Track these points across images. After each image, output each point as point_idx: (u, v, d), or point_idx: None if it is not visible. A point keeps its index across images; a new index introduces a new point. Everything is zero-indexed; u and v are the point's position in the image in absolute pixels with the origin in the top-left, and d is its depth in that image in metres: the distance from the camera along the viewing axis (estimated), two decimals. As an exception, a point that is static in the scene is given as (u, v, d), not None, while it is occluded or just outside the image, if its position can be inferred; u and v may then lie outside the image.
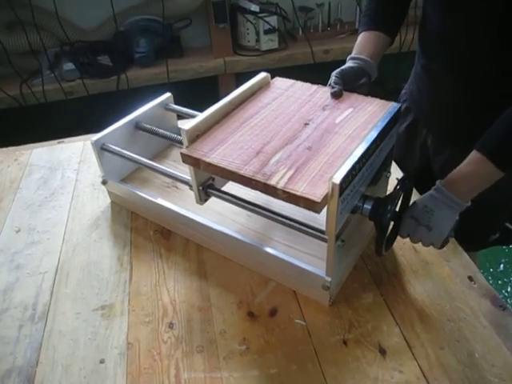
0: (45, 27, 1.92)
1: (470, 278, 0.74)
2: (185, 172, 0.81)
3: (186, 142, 0.67)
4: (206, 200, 0.77)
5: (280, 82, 0.82)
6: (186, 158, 0.66)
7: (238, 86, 0.79)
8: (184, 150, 0.66)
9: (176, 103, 1.01)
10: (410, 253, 0.79)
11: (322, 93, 0.77)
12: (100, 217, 0.92)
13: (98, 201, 0.97)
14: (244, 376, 0.62)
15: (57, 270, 0.81)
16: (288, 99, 0.76)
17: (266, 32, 2.12)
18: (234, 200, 0.74)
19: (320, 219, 0.64)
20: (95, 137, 0.86)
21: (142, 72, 2.07)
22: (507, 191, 0.87)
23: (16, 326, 0.71)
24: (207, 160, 0.64)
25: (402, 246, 0.80)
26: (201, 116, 0.70)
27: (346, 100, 0.74)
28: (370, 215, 0.65)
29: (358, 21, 2.38)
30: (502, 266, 1.80)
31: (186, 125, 0.68)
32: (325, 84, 0.79)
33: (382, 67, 0.91)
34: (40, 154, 1.15)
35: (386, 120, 0.64)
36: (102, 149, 0.87)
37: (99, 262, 0.82)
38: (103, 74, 2.00)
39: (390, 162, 0.76)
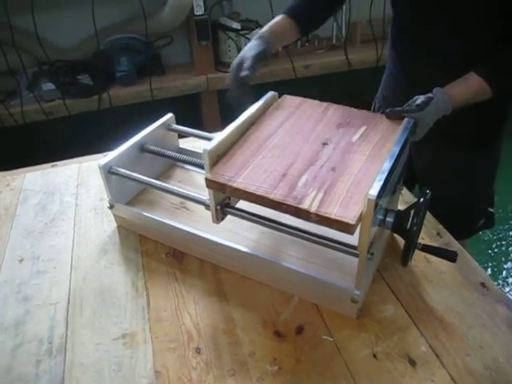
0: (23, 47, 1.88)
1: (483, 285, 0.77)
2: (197, 192, 0.81)
3: (208, 165, 0.67)
4: (222, 219, 0.76)
5: (289, 100, 0.84)
6: (211, 184, 0.66)
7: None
8: (208, 176, 0.66)
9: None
10: (423, 263, 0.81)
11: (333, 110, 0.79)
12: (107, 242, 0.90)
13: (103, 225, 0.94)
14: (279, 397, 0.62)
15: (69, 299, 0.78)
16: (301, 118, 0.78)
17: (248, 49, 2.15)
18: (252, 217, 0.74)
19: (333, 232, 0.65)
20: (102, 161, 0.85)
21: (124, 91, 2.05)
22: (486, 180, 1.02)
23: (33, 362, 0.68)
24: (234, 185, 0.64)
25: (415, 257, 0.82)
26: (220, 136, 0.70)
27: (358, 117, 0.76)
28: (392, 228, 0.67)
29: (335, 36, 2.45)
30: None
31: (206, 145, 0.68)
32: (311, 97, 0.83)
33: (358, 80, 0.95)
34: (34, 179, 1.11)
35: (405, 135, 0.67)
36: (109, 172, 0.86)
37: (113, 288, 0.80)
38: (84, 94, 1.97)
39: (403, 176, 0.78)
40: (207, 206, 0.75)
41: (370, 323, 0.71)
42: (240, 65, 0.82)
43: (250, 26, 2.22)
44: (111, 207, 0.90)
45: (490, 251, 1.85)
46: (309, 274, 0.71)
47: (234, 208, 0.76)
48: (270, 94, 0.84)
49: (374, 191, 0.55)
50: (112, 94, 2.00)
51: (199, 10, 1.95)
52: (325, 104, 0.81)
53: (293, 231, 0.69)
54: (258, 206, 0.66)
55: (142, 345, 0.70)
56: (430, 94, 0.75)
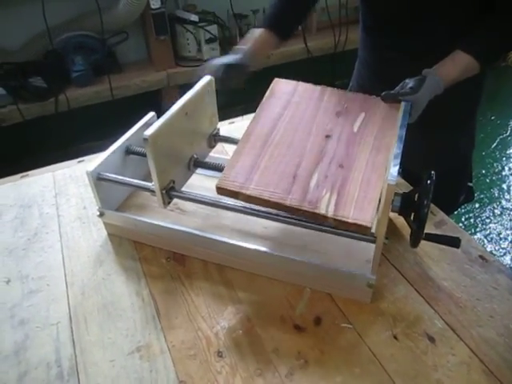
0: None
1: (482, 257, 0.80)
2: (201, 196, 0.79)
3: (150, 152, 0.67)
4: (169, 203, 0.78)
5: (282, 86, 0.82)
6: (223, 191, 0.64)
7: None
8: (219, 184, 0.64)
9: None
10: (423, 242, 0.83)
11: (329, 95, 0.78)
12: (101, 252, 0.85)
13: (92, 235, 0.89)
14: (312, 390, 0.61)
15: (70, 317, 0.73)
16: (298, 107, 0.77)
17: (208, 41, 2.11)
18: (196, 199, 0.77)
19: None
20: (90, 167, 0.80)
21: (82, 91, 1.95)
22: (465, 156, 1.08)
23: (43, 389, 0.63)
24: (248, 193, 0.62)
25: (414, 236, 0.84)
26: (159, 122, 0.72)
27: (354, 102, 0.76)
28: (400, 211, 0.68)
29: (292, 25, 2.46)
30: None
31: (147, 131, 0.69)
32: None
33: (318, 67, 0.97)
34: (5, 192, 1.03)
35: (406, 118, 0.68)
36: (98, 179, 0.81)
37: (116, 300, 0.75)
38: (38, 97, 1.85)
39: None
40: (152, 192, 0.76)
41: (384, 306, 0.72)
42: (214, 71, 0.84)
43: (208, 17, 2.17)
44: (101, 215, 0.85)
45: (460, 225, 1.95)
46: (322, 264, 0.71)
47: (178, 191, 0.78)
48: (207, 78, 0.84)
49: (393, 176, 0.56)
50: (69, 96, 1.90)
51: (156, 4, 1.88)
52: (318, 88, 0.80)
53: (297, 222, 0.68)
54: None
55: (159, 356, 0.67)
56: (420, 76, 0.77)
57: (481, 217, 1.93)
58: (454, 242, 0.71)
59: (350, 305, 0.73)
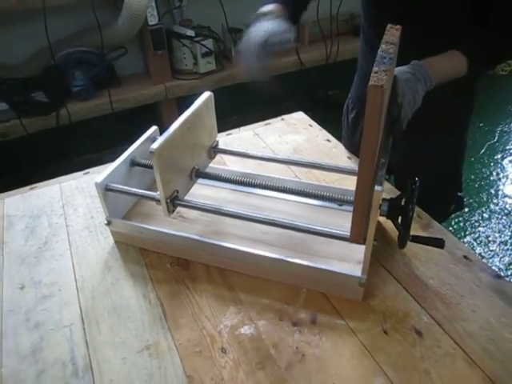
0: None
1: (466, 257, 0.86)
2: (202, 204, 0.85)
3: (156, 164, 0.75)
4: (173, 211, 0.83)
5: None
6: None
7: (180, 110, 0.85)
8: None
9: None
10: (411, 244, 0.89)
11: None
12: (108, 259, 0.90)
13: (100, 243, 0.94)
14: (310, 383, 0.66)
15: (82, 319, 0.78)
16: None
17: (204, 55, 2.18)
18: (201, 207, 0.83)
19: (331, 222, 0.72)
20: (99, 178, 0.85)
21: (82, 105, 2.01)
22: (454, 167, 1.13)
23: (60, 385, 0.68)
24: None
25: (403, 238, 0.90)
26: (163, 136, 0.78)
27: None
28: (387, 215, 0.74)
29: (285, 38, 2.54)
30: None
31: (153, 145, 0.75)
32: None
33: (311, 78, 1.02)
34: (14, 203, 1.08)
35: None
36: (106, 189, 0.86)
37: (125, 303, 0.81)
38: (40, 111, 1.90)
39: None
40: (158, 201, 0.82)
41: (375, 304, 0.78)
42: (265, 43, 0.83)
43: (203, 32, 2.25)
44: (109, 223, 0.91)
45: (450, 229, 2.03)
46: (319, 266, 0.76)
47: (182, 200, 0.84)
48: (206, 94, 0.89)
49: (380, 185, 0.62)
50: (70, 110, 1.95)
51: (153, 20, 1.95)
52: None
53: (294, 226, 0.74)
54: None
55: (167, 353, 0.72)
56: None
57: (470, 221, 2.00)
58: (438, 243, 0.77)
59: (344, 303, 0.78)
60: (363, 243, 0.69)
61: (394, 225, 0.77)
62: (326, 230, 0.74)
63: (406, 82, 0.74)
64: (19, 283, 0.86)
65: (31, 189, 1.14)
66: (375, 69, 0.55)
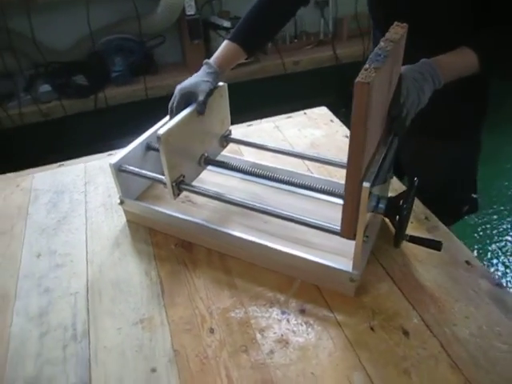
0: (19, 49, 1.91)
1: (468, 262, 0.84)
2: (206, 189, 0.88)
3: (163, 149, 0.73)
4: (178, 194, 0.88)
5: None
6: None
7: None
8: None
9: (153, 119, 1.04)
10: (413, 245, 0.88)
11: None
12: (119, 236, 0.96)
13: (113, 220, 1.00)
14: (288, 369, 0.68)
15: (87, 289, 0.84)
16: None
17: (239, 46, 2.20)
18: (205, 192, 0.86)
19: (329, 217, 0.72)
20: (113, 160, 0.90)
21: (119, 90, 2.10)
22: (468, 168, 1.09)
23: (60, 347, 0.74)
24: None
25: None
26: (171, 123, 0.82)
27: None
28: (384, 213, 0.74)
29: (323, 32, 2.52)
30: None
31: (160, 131, 0.79)
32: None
33: (348, 74, 1.00)
34: (42, 179, 1.16)
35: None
36: (119, 170, 0.91)
37: (128, 278, 0.86)
38: (80, 94, 2.01)
39: (392, 167, 0.85)
40: (164, 184, 0.85)
41: (367, 300, 0.78)
42: (191, 94, 0.90)
43: (240, 23, 2.27)
44: (121, 203, 0.96)
45: (475, 234, 1.96)
46: (312, 259, 0.77)
47: (187, 185, 0.87)
48: (220, 84, 0.93)
49: (368, 182, 0.62)
50: (107, 94, 2.05)
51: (191, 10, 2.00)
52: None
53: (294, 218, 0.76)
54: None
55: (159, 327, 0.76)
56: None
57: (498, 229, 1.92)
58: (435, 245, 0.76)
59: (335, 297, 0.79)
60: (353, 239, 0.69)
61: (392, 224, 0.77)
62: (319, 223, 0.75)
63: (413, 81, 0.73)
64: (36, 252, 0.93)
65: (59, 166, 1.21)
66: (366, 66, 0.56)
